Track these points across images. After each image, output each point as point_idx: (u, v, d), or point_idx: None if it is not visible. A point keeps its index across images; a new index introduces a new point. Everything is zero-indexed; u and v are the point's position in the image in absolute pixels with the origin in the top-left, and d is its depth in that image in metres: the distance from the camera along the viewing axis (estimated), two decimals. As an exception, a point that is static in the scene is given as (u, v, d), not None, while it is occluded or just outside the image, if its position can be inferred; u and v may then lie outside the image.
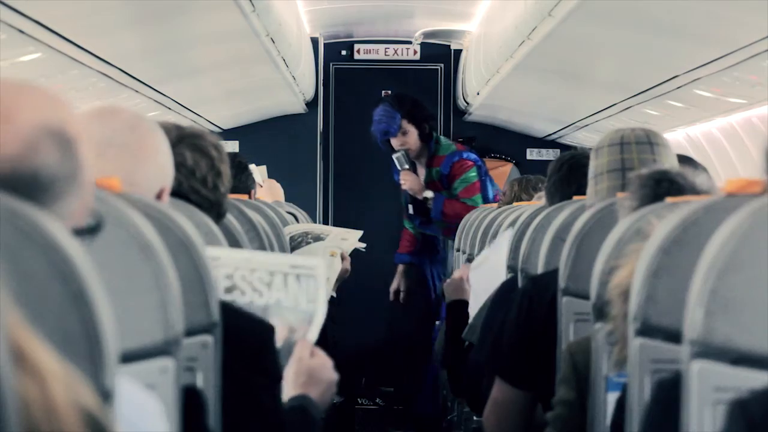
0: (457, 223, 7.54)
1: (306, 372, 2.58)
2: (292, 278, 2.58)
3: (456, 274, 4.96)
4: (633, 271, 2.15)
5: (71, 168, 1.47)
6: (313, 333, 2.62)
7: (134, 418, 1.48)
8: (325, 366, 2.62)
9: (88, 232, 1.51)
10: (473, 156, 7.82)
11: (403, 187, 7.78)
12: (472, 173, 7.67)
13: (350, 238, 4.79)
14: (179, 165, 2.56)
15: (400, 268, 8.30)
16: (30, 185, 1.42)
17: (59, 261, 1.30)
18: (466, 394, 4.91)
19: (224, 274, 2.51)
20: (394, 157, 7.81)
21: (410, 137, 7.73)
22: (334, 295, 4.57)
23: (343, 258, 4.66)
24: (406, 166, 7.76)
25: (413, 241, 8.16)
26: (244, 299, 2.52)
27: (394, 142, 7.78)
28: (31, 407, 0.95)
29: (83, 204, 1.50)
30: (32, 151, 1.42)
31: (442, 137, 7.90)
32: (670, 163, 3.07)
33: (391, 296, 8.32)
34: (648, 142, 3.12)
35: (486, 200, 7.66)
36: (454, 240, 7.61)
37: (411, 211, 7.93)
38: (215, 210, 2.67)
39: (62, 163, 1.45)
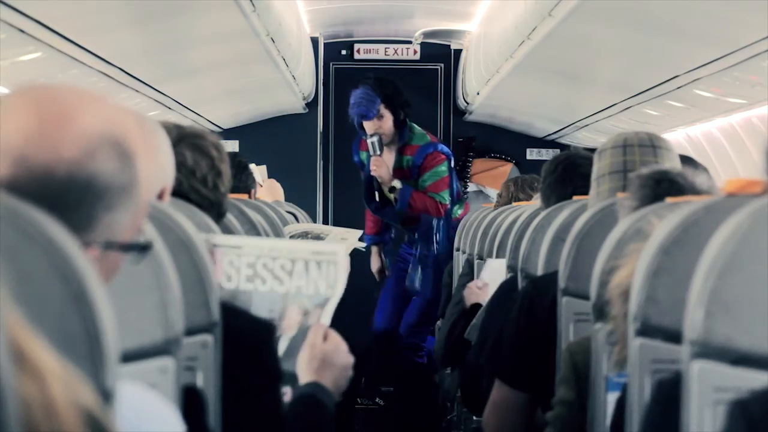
0: (418, 215, 7.53)
1: (319, 357, 2.55)
2: (313, 264, 2.59)
3: (471, 284, 5.00)
4: (633, 271, 2.15)
5: (127, 180, 1.47)
6: (327, 316, 2.61)
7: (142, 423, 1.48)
8: (338, 349, 2.59)
9: (138, 249, 1.51)
10: (446, 149, 7.68)
11: (373, 173, 7.62)
12: (443, 167, 7.56)
13: (350, 238, 4.78)
14: (179, 165, 2.56)
15: (374, 249, 8.26)
16: (84, 191, 1.42)
17: (59, 261, 1.30)
18: (462, 394, 4.91)
19: (246, 263, 2.52)
20: (369, 141, 7.55)
21: (385, 122, 7.51)
22: None
23: None
24: (379, 153, 7.54)
25: (377, 221, 8.12)
26: (264, 287, 2.53)
27: (369, 126, 7.54)
28: (31, 407, 0.95)
29: (136, 219, 1.50)
30: (90, 157, 1.43)
31: (414, 125, 7.71)
32: (673, 166, 3.07)
33: (377, 277, 8.33)
34: (651, 145, 3.13)
35: (452, 196, 7.60)
36: (412, 230, 7.62)
37: (377, 197, 7.76)
38: (215, 210, 2.67)
39: (119, 173, 1.45)
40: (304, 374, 2.56)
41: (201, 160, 2.64)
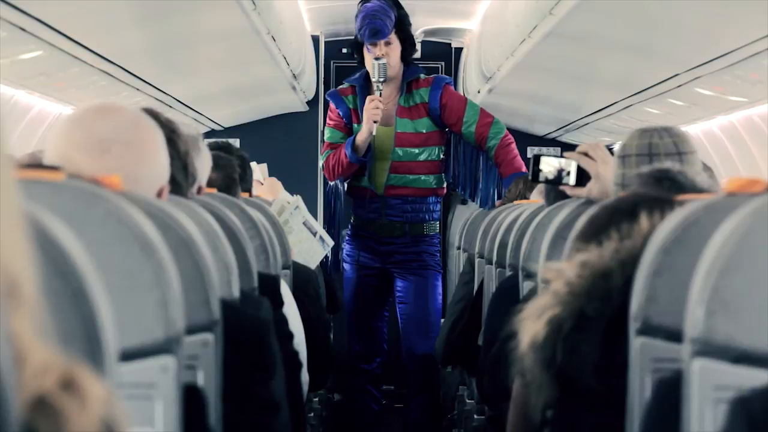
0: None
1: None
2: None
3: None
4: (544, 324, 2.15)
5: None
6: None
7: None
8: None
9: None
10: None
11: (370, 113, 6.19)
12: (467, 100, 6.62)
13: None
14: None
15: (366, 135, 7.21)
16: None
17: (59, 259, 1.29)
18: (479, 392, 4.91)
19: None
20: (377, 63, 6.23)
21: (393, 51, 6.31)
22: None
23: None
24: (382, 79, 6.23)
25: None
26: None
27: (376, 50, 6.27)
28: (69, 421, 0.97)
29: None
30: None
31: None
32: (697, 169, 3.03)
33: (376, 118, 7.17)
34: (677, 152, 3.10)
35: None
36: (395, 212, 6.60)
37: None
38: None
39: None
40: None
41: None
